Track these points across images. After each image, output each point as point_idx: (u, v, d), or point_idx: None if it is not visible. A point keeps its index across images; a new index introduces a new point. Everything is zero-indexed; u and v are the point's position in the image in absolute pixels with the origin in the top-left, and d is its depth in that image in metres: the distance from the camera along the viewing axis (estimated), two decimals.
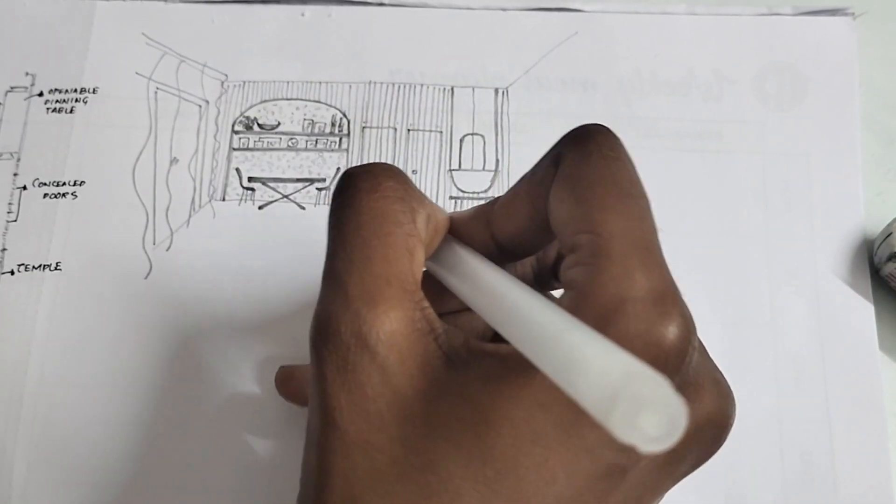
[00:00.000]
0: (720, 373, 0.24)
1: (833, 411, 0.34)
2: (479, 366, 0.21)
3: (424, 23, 0.40)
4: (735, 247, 0.37)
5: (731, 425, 0.23)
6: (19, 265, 0.36)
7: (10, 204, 0.37)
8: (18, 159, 0.38)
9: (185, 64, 0.40)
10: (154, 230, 0.37)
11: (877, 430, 0.34)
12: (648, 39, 0.40)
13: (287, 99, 0.39)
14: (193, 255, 0.37)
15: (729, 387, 0.23)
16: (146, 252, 0.37)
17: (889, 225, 0.35)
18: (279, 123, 0.39)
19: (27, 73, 0.39)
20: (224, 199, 0.37)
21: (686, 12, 0.40)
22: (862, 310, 0.35)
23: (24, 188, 0.38)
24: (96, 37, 0.40)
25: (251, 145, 0.38)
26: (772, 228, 0.37)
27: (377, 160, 0.38)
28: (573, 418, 0.20)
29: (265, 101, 0.39)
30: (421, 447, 0.20)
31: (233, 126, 0.39)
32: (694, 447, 0.22)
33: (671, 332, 0.19)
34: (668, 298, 0.20)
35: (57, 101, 0.39)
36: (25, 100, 0.39)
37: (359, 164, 0.24)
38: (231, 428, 0.34)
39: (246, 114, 0.39)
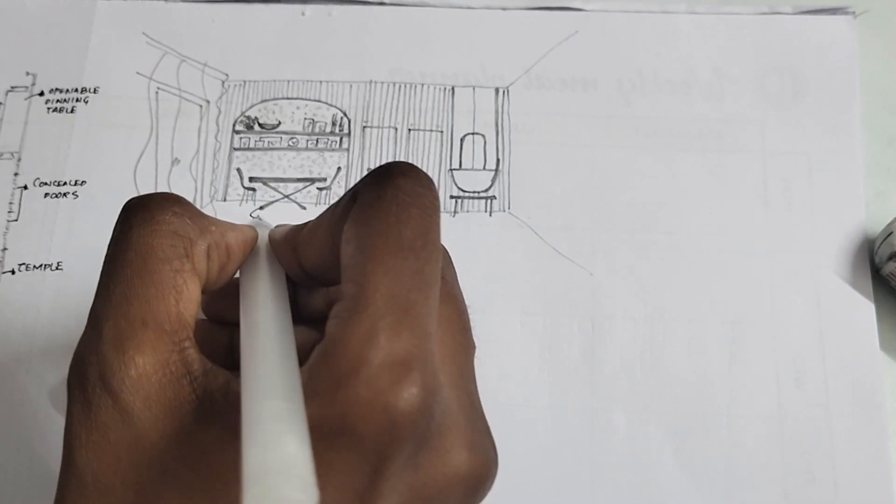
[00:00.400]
0: (483, 432, 0.23)
1: (834, 410, 0.34)
2: (225, 414, 0.20)
3: (425, 22, 0.40)
4: (736, 246, 0.37)
5: (487, 487, 0.22)
6: (20, 265, 0.36)
7: (10, 203, 0.37)
8: (19, 159, 0.38)
9: (185, 64, 0.40)
10: None
11: (877, 429, 0.34)
12: (649, 38, 0.40)
13: (287, 98, 0.39)
14: None
15: (489, 448, 0.23)
16: None
17: (889, 224, 0.35)
18: (280, 123, 0.39)
19: (28, 73, 0.39)
20: (225, 200, 0.37)
21: (687, 11, 0.40)
22: (863, 309, 0.35)
23: (25, 188, 0.38)
24: (97, 36, 0.40)
25: (252, 145, 0.38)
26: (772, 227, 0.37)
27: (378, 160, 0.38)
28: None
29: (266, 100, 0.39)
30: (152, 495, 0.20)
31: (234, 126, 0.39)
32: (444, 499, 0.21)
33: (403, 399, 0.19)
34: (408, 364, 0.19)
35: (58, 100, 0.39)
36: (26, 99, 0.39)
37: (153, 195, 0.24)
38: None
39: (247, 113, 0.39)
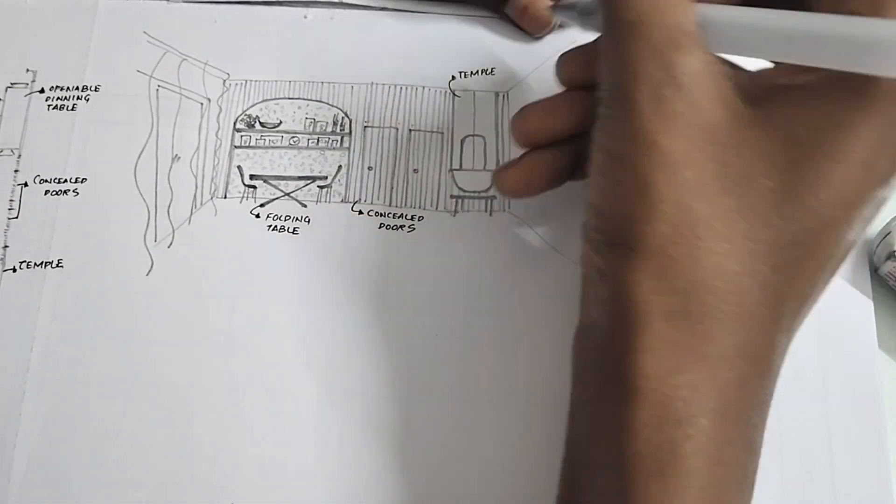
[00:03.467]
0: None
1: (832, 410, 0.34)
2: (777, 97, 0.24)
3: (426, 28, 0.41)
4: None
5: None
6: (21, 262, 0.36)
7: (11, 201, 0.37)
8: (19, 156, 0.38)
9: (186, 62, 0.40)
10: (155, 227, 0.37)
11: (876, 428, 0.34)
12: None
13: (289, 98, 0.39)
14: (195, 253, 0.37)
15: None
16: (147, 249, 0.37)
17: (887, 224, 0.35)
18: (281, 122, 0.39)
19: (28, 70, 0.39)
20: (226, 197, 0.38)
21: None
22: (862, 307, 0.36)
23: (25, 185, 0.37)
24: (98, 34, 0.40)
25: (253, 143, 0.38)
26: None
27: (379, 158, 0.38)
28: (876, 138, 0.23)
29: (267, 99, 0.39)
30: (738, 166, 0.23)
31: (234, 124, 0.39)
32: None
33: None
34: None
35: (58, 98, 0.39)
36: (26, 96, 0.39)
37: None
38: (233, 424, 0.34)
39: (248, 112, 0.39)
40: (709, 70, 0.24)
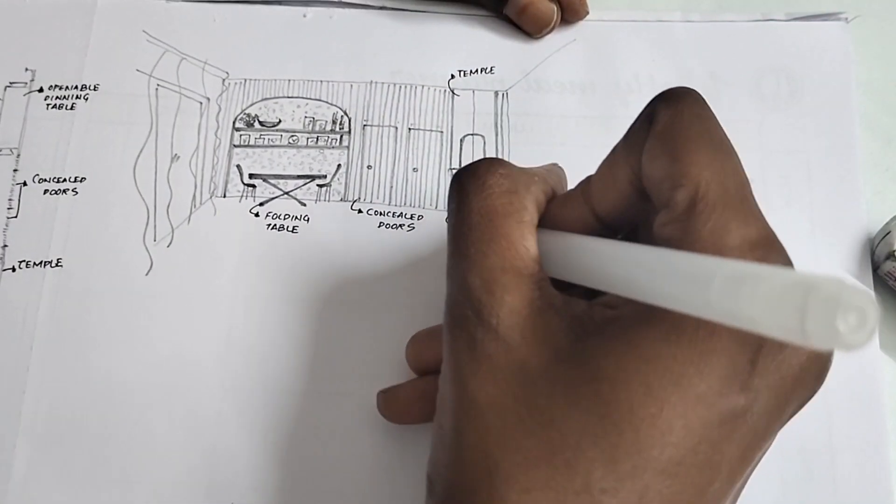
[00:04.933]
0: None
1: (833, 409, 0.34)
2: (597, 330, 0.23)
3: (426, 27, 0.41)
4: None
5: (831, 364, 0.24)
6: (20, 262, 0.36)
7: (10, 200, 0.37)
8: (18, 155, 0.38)
9: (185, 61, 0.40)
10: (155, 227, 0.37)
11: (876, 427, 0.34)
12: (645, 46, 0.40)
13: (288, 97, 0.39)
14: (194, 252, 0.37)
15: None
16: (147, 249, 0.36)
17: (887, 224, 0.35)
18: (280, 121, 0.39)
19: (27, 69, 0.39)
20: (225, 196, 0.38)
21: (682, 20, 0.41)
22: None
23: (25, 184, 0.37)
24: (97, 34, 0.40)
25: (252, 142, 0.38)
26: (771, 223, 0.37)
27: (378, 157, 0.38)
28: (681, 370, 0.21)
29: (266, 98, 0.39)
30: (543, 407, 0.22)
31: (234, 123, 0.39)
32: (799, 388, 0.23)
33: None
34: (768, 244, 0.22)
35: (57, 97, 0.39)
36: (25, 95, 0.39)
37: (469, 163, 0.26)
38: (233, 423, 0.34)
39: (247, 111, 0.39)
40: (529, 309, 0.23)
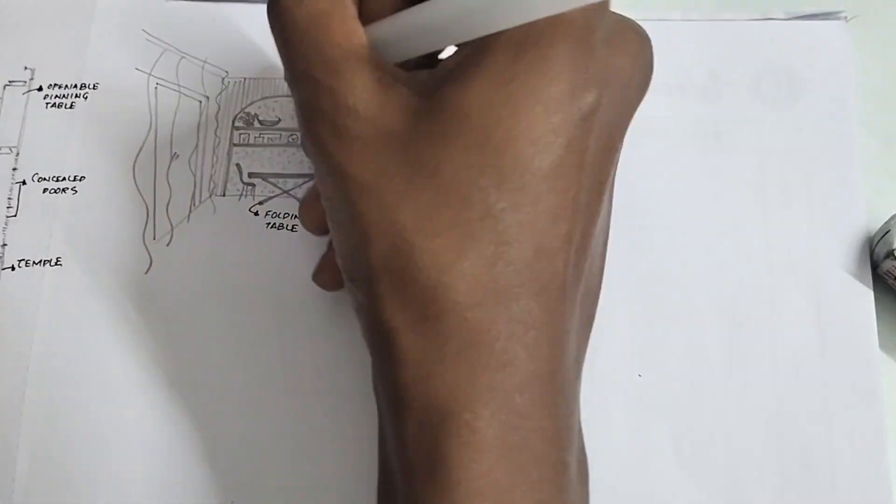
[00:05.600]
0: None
1: (833, 408, 0.34)
2: (449, 79, 0.24)
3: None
4: (734, 244, 0.37)
5: (652, 64, 0.28)
6: (20, 260, 0.36)
7: (9, 199, 0.37)
8: (17, 154, 0.38)
9: (185, 60, 0.40)
10: (154, 225, 0.37)
11: (876, 427, 0.34)
12: None
13: (288, 96, 0.39)
14: (194, 250, 0.37)
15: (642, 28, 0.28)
16: (146, 247, 0.37)
17: (887, 223, 0.35)
18: (280, 120, 0.39)
19: (26, 68, 0.39)
20: (224, 195, 0.38)
21: (681, 18, 0.41)
22: (863, 307, 0.36)
23: (24, 183, 0.37)
24: (96, 32, 0.40)
25: (252, 141, 0.38)
26: (771, 222, 0.37)
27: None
28: (535, 81, 0.23)
29: (266, 97, 0.39)
30: (426, 160, 0.24)
31: (233, 122, 0.39)
32: (636, 74, 0.26)
33: None
34: None
35: (57, 96, 0.39)
36: (24, 94, 0.39)
37: None
38: (233, 423, 0.34)
39: (246, 110, 0.39)
40: (381, 82, 0.25)
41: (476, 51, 0.24)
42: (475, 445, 0.23)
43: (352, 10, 0.26)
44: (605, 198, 0.27)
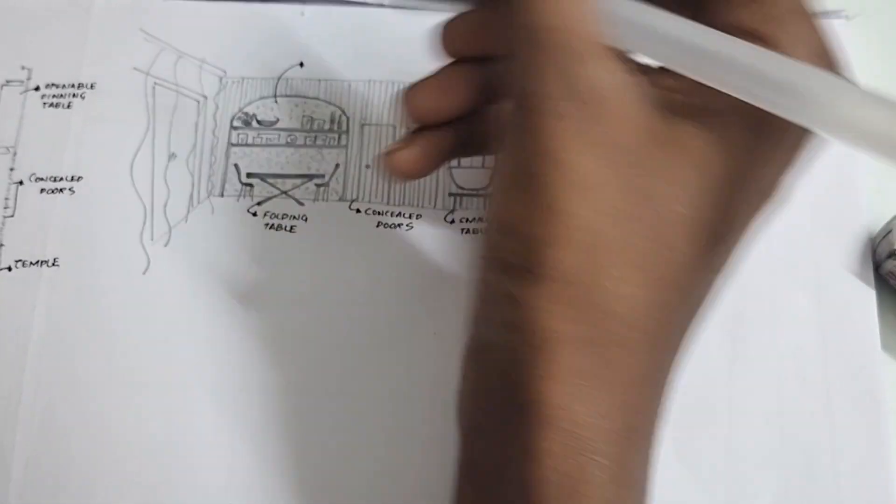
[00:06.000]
0: None
1: (835, 407, 0.34)
2: (690, 118, 0.23)
3: (425, 23, 0.40)
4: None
5: None
6: (16, 261, 0.36)
7: (6, 199, 0.37)
8: (15, 154, 0.38)
9: (183, 59, 0.39)
10: (152, 225, 0.37)
11: (878, 428, 0.34)
12: None
13: (286, 96, 0.39)
14: (192, 251, 0.36)
15: None
16: (144, 247, 0.36)
17: (889, 222, 0.35)
18: (278, 120, 0.39)
19: (23, 67, 0.39)
20: (222, 195, 0.37)
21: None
22: (864, 307, 0.35)
23: (21, 183, 0.37)
24: (94, 31, 0.40)
25: (250, 141, 0.38)
26: (773, 225, 0.37)
27: (377, 156, 0.38)
28: (762, 166, 0.24)
29: (264, 97, 0.39)
30: (645, 187, 0.22)
31: (231, 122, 0.39)
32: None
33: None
34: (830, 55, 0.24)
35: (54, 95, 0.39)
36: (21, 94, 0.39)
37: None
38: (232, 424, 0.34)
39: (244, 110, 0.39)
40: (617, 82, 0.23)
41: (728, 108, 0.23)
42: (616, 478, 0.22)
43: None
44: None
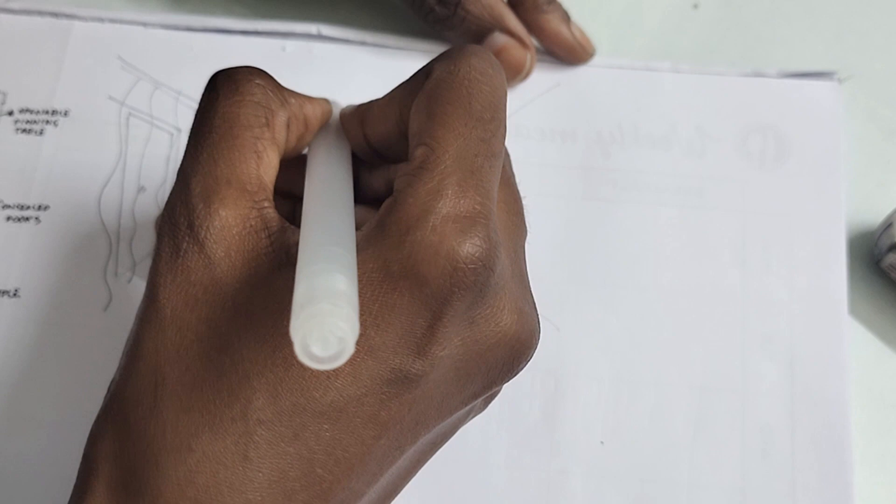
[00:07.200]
0: (531, 305, 0.25)
1: (799, 485, 0.33)
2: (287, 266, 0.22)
3: (406, 65, 0.40)
4: (709, 307, 0.36)
5: (529, 354, 0.24)
6: None
7: None
8: None
9: (159, 90, 0.39)
10: (117, 260, 0.36)
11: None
12: (631, 94, 0.39)
13: None
14: None
15: (535, 318, 0.25)
16: (107, 282, 0.36)
17: (889, 216, 0.34)
18: None
19: None
20: None
21: (670, 70, 0.40)
22: (836, 380, 0.34)
23: None
24: (71, 57, 0.39)
25: None
26: (749, 289, 0.36)
27: None
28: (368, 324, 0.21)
29: None
30: (224, 330, 0.22)
31: None
32: (483, 367, 0.23)
33: (465, 249, 0.21)
34: (473, 219, 0.22)
35: (27, 121, 0.38)
36: None
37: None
38: None
39: None
40: (242, 227, 0.23)
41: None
42: None
43: (272, 133, 0.24)
44: (399, 464, 0.24)
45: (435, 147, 0.22)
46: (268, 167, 0.24)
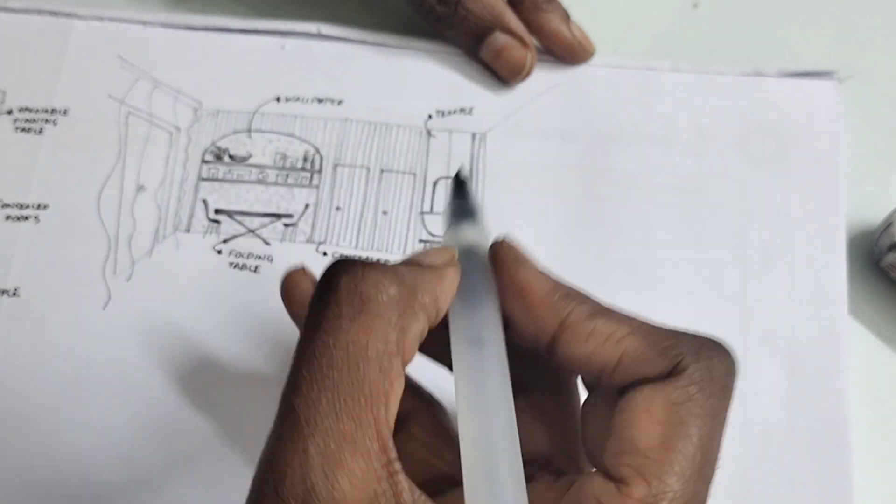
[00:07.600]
0: None
1: (799, 485, 0.33)
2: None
3: (406, 63, 0.40)
4: (708, 307, 0.36)
5: None
6: None
7: None
8: None
9: (158, 89, 0.39)
10: (115, 259, 0.36)
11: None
12: (631, 93, 0.39)
13: (260, 131, 0.38)
14: (154, 288, 0.36)
15: None
16: (106, 281, 0.36)
17: (889, 215, 0.35)
18: (250, 155, 0.38)
19: None
20: (189, 231, 0.37)
21: (670, 69, 0.40)
22: (835, 379, 0.34)
23: None
24: (71, 56, 0.39)
25: (220, 176, 0.38)
26: (749, 288, 0.36)
27: (348, 199, 0.37)
28: None
29: (238, 131, 0.38)
30: None
31: (203, 155, 0.38)
32: None
33: None
34: None
35: (27, 120, 0.38)
36: None
37: (352, 257, 0.23)
38: (186, 464, 0.33)
39: (217, 143, 0.38)
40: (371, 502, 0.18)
41: None
42: None
43: (405, 357, 0.20)
44: None
45: (664, 489, 0.20)
46: (394, 404, 0.20)
